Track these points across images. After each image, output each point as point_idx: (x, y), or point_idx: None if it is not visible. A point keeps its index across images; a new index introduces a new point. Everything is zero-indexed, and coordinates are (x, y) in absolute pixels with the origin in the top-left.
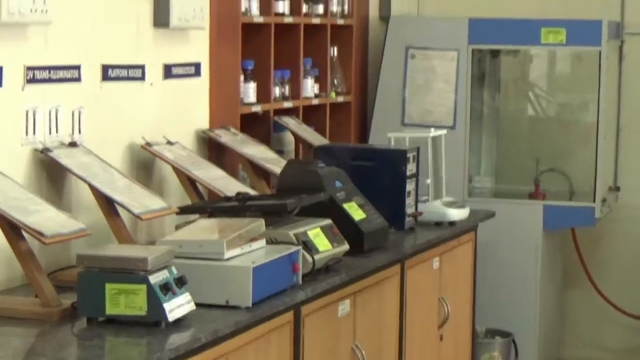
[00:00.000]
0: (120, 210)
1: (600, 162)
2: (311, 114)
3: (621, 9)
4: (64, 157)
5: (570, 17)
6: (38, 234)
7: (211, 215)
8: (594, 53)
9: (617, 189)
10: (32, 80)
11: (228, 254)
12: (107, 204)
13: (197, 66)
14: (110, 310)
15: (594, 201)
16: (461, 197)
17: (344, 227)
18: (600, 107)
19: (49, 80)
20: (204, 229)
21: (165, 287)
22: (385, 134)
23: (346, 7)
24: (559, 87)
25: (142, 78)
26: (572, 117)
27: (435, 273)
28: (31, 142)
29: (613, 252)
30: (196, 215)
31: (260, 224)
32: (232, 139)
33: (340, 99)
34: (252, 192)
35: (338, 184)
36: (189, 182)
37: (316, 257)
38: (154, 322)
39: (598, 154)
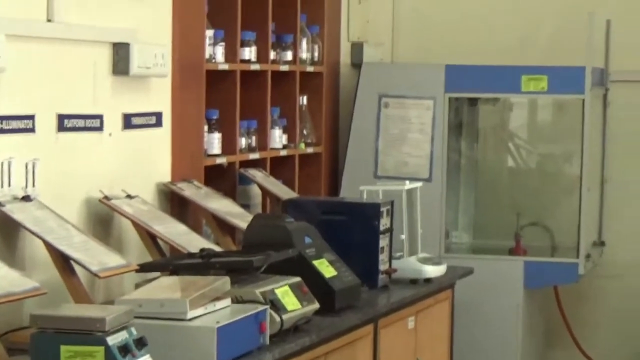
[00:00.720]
0: (76, 267)
1: (584, 216)
2: (279, 166)
3: (605, 55)
4: (17, 212)
5: (552, 64)
6: None
7: (173, 272)
8: (577, 101)
9: (602, 243)
10: None
11: (191, 313)
12: (63, 261)
13: (159, 116)
14: None
15: (578, 257)
16: (438, 253)
17: (314, 284)
18: (583, 157)
19: (1, 130)
20: (165, 287)
21: (125, 349)
22: (358, 187)
23: (316, 54)
24: (540, 137)
25: (100, 128)
26: (555, 168)
27: (410, 333)
28: None
29: (598, 311)
30: (157, 273)
31: (225, 282)
32: (196, 192)
33: (310, 150)
34: (217, 249)
35: (308, 239)
36: (150, 238)
37: (284, 316)
38: None
39: (582, 207)
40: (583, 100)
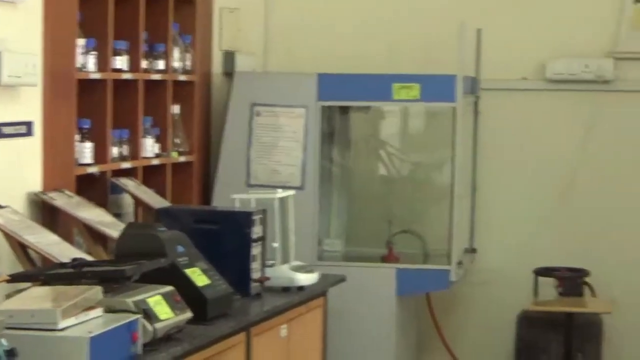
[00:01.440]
0: None
1: (455, 223)
2: (151, 175)
3: (476, 64)
4: None
5: (424, 72)
6: None
7: (44, 283)
8: (449, 109)
9: (474, 250)
10: None
11: (62, 323)
12: None
13: (29, 125)
14: None
15: (449, 264)
16: (310, 261)
17: (187, 293)
18: (454, 165)
19: None
20: (36, 297)
21: None
22: (230, 196)
23: (188, 63)
24: (412, 145)
25: None
26: (426, 176)
27: (283, 341)
28: None
29: (469, 317)
30: (28, 284)
31: (97, 291)
32: (67, 201)
33: (183, 158)
34: (89, 258)
35: (180, 248)
36: (21, 248)
37: (157, 325)
38: None
39: (453, 214)
40: (454, 108)
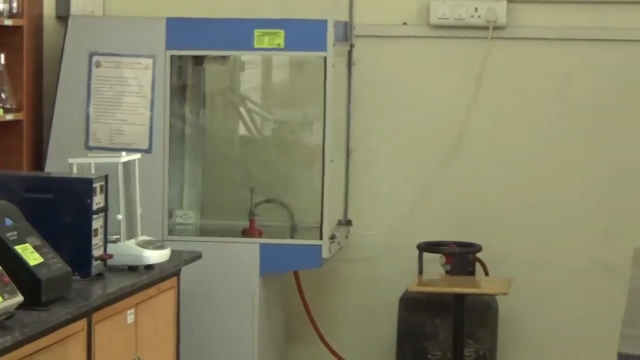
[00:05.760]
0: None
1: (327, 192)
2: None
3: (349, 7)
4: None
5: (290, 17)
6: None
7: None
8: (318, 59)
9: (349, 222)
10: None
11: None
12: None
13: None
14: None
15: (321, 238)
16: (160, 236)
17: (17, 274)
18: (326, 125)
19: None
20: None
21: None
22: (66, 160)
23: (15, 5)
24: (277, 102)
25: None
26: (294, 137)
27: (130, 328)
28: None
29: (343, 299)
30: None
31: None
32: None
33: (10, 116)
34: None
35: (8, 221)
36: None
37: None
38: None
39: (325, 181)
40: (325, 57)
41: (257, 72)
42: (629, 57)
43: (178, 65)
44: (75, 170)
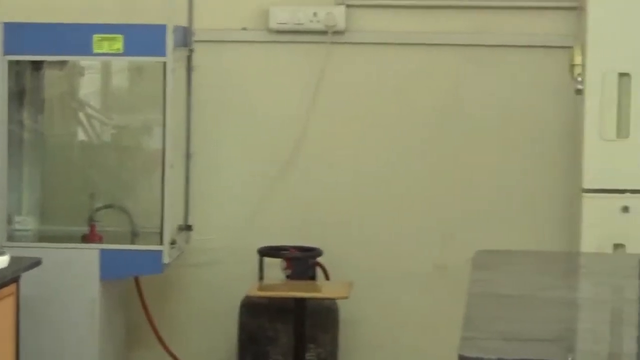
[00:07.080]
0: None
1: (167, 196)
2: None
3: (189, 12)
4: None
5: (130, 22)
6: None
7: None
8: (158, 65)
9: (189, 227)
10: None
11: None
12: None
13: None
14: None
15: (162, 243)
16: None
17: None
18: (166, 129)
19: None
20: None
21: None
22: None
23: None
24: (117, 107)
25: None
26: (134, 142)
27: None
28: None
29: (186, 305)
30: None
31: None
32: None
33: None
34: None
35: None
36: None
37: None
38: None
39: (165, 186)
40: (164, 63)
41: (96, 77)
42: (463, 60)
43: (16, 70)
44: None
